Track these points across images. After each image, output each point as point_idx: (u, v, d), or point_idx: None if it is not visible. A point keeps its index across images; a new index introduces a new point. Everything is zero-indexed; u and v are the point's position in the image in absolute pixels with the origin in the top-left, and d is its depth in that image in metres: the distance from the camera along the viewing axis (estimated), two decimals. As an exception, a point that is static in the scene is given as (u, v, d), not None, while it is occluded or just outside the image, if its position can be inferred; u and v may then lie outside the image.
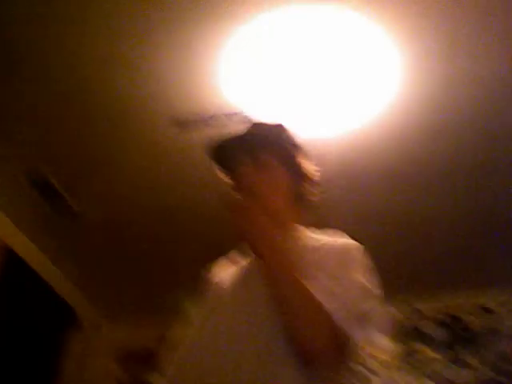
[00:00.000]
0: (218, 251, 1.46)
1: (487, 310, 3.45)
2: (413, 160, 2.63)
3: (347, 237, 1.27)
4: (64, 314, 3.30)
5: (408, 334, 3.50)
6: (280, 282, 1.07)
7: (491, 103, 2.33)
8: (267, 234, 1.10)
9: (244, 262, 1.31)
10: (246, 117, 2.31)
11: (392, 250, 3.12)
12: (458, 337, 3.42)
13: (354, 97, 2.32)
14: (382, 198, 2.85)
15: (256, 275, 1.16)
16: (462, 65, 2.18)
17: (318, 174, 1.38)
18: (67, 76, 2.27)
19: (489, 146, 2.53)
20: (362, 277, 1.16)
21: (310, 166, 1.38)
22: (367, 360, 3.43)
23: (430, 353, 3.41)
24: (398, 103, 2.35)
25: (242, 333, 1.12)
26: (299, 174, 1.35)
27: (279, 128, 1.40)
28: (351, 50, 2.13)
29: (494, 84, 2.24)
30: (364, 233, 2.88)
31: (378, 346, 3.47)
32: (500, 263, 3.22)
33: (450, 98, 2.32)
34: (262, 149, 1.33)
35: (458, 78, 2.23)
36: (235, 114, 2.34)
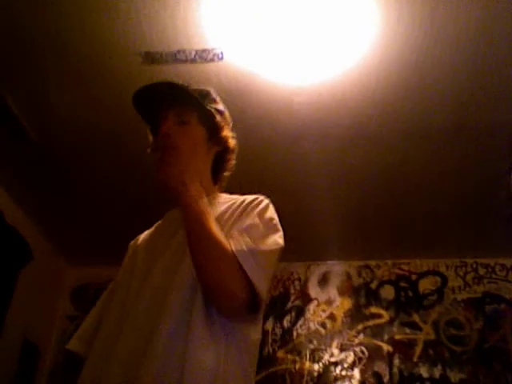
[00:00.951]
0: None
1: (438, 274, 3.52)
2: (381, 117, 2.63)
3: (262, 197, 1.31)
4: (18, 248, 3.22)
5: (359, 293, 3.56)
6: (194, 226, 1.13)
7: (467, 66, 2.35)
8: (192, 182, 1.18)
9: (159, 222, 1.40)
10: (216, 54, 2.27)
11: (352, 206, 3.14)
12: (408, 298, 3.49)
13: (329, 48, 2.31)
14: (347, 152, 2.84)
15: (168, 228, 1.27)
16: (440, 25, 2.19)
17: (235, 141, 1.43)
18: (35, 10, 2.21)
19: (459, 110, 2.56)
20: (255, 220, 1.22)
21: (228, 133, 1.42)
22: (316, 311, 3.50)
23: (380, 312, 3.48)
24: (375, 56, 2.34)
25: (147, 287, 1.17)
26: (217, 139, 1.39)
27: (206, 92, 1.43)
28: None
29: (470, 47, 2.27)
30: (328, 187, 2.90)
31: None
32: (458, 228, 3.29)
33: (427, 58, 2.33)
34: (186, 107, 1.36)
35: (434, 39, 2.24)
36: (205, 50, 2.29)
